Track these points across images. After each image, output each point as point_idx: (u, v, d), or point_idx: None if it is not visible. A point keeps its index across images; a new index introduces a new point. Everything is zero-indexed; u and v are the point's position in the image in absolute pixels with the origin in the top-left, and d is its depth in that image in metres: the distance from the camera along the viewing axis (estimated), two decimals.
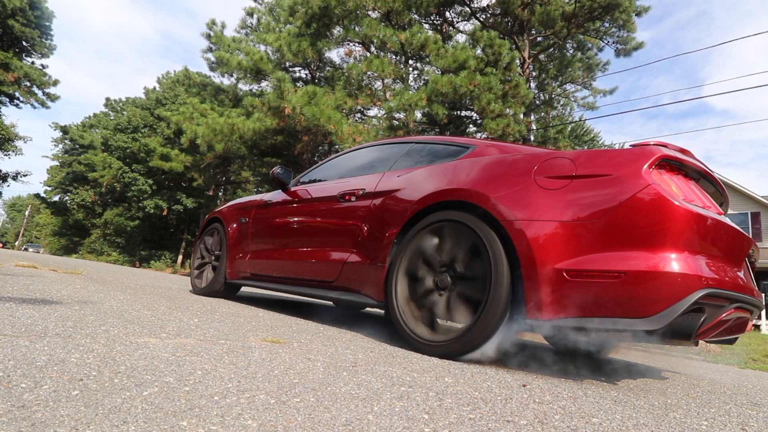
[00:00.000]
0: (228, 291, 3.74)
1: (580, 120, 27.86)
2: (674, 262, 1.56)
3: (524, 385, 1.59)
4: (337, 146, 18.94)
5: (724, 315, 1.71)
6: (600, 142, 34.06)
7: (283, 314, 3.03)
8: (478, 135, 18.96)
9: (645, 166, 1.70)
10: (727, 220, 1.89)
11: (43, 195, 38.39)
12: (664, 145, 1.84)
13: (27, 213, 58.92)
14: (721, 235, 1.78)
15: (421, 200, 2.25)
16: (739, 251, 1.90)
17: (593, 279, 1.64)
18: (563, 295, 1.69)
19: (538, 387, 1.59)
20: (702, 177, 1.97)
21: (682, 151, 1.91)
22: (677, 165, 1.83)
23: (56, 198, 39.03)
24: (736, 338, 2.20)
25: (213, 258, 3.88)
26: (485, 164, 2.19)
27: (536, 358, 2.44)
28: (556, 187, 1.84)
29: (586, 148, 32.71)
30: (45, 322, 1.58)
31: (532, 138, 16.22)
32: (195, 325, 1.97)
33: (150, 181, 29.68)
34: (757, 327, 14.49)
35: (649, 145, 1.81)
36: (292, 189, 3.41)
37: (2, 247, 40.14)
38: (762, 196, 16.98)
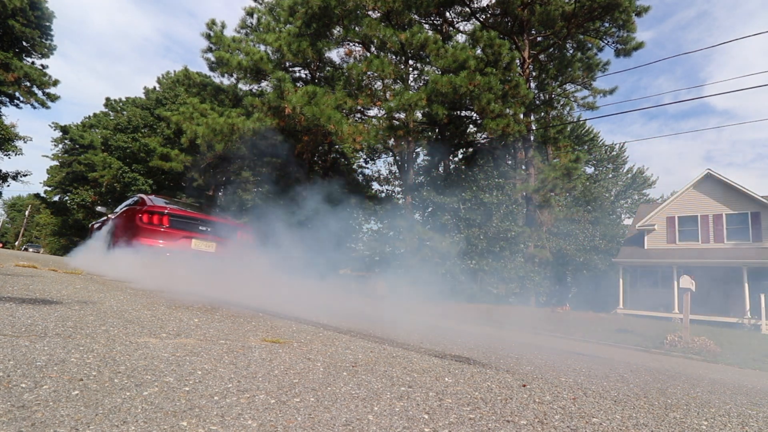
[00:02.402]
0: None
1: (579, 120, 27.84)
2: (142, 238, 5.30)
3: (524, 385, 1.59)
4: (336, 146, 18.92)
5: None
6: (600, 142, 34.06)
7: (282, 314, 3.03)
8: (479, 135, 18.93)
9: (142, 210, 5.46)
10: (176, 227, 5.59)
11: (43, 195, 38.36)
12: (160, 201, 5.98)
13: (27, 213, 58.93)
14: (165, 231, 5.34)
15: (108, 217, 6.81)
16: (177, 234, 5.41)
17: (136, 244, 5.30)
18: (123, 247, 5.39)
19: (538, 387, 1.59)
20: (171, 214, 5.60)
21: (165, 201, 6.16)
22: (155, 208, 5.53)
23: (56, 198, 39.02)
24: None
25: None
26: (124, 207, 6.36)
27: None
28: (127, 213, 5.83)
29: (585, 148, 32.68)
30: (45, 322, 1.58)
31: (532, 138, 16.19)
32: (195, 325, 1.97)
33: (150, 181, 29.67)
34: (757, 327, 14.51)
35: (151, 200, 5.91)
36: (110, 216, 6.85)
37: (2, 247, 40.13)
38: (762, 196, 16.94)
